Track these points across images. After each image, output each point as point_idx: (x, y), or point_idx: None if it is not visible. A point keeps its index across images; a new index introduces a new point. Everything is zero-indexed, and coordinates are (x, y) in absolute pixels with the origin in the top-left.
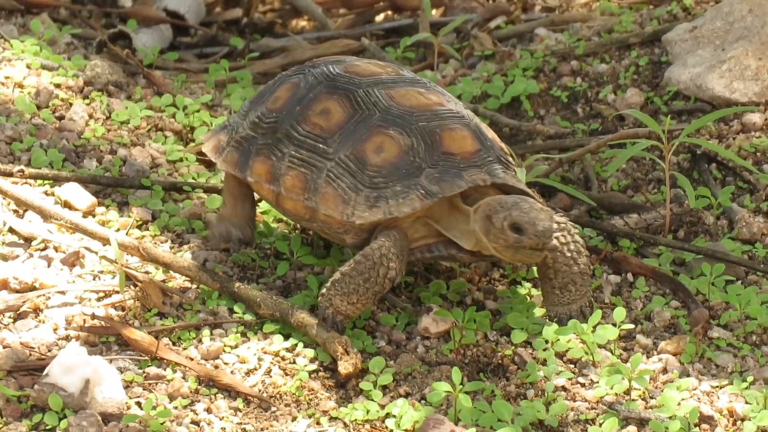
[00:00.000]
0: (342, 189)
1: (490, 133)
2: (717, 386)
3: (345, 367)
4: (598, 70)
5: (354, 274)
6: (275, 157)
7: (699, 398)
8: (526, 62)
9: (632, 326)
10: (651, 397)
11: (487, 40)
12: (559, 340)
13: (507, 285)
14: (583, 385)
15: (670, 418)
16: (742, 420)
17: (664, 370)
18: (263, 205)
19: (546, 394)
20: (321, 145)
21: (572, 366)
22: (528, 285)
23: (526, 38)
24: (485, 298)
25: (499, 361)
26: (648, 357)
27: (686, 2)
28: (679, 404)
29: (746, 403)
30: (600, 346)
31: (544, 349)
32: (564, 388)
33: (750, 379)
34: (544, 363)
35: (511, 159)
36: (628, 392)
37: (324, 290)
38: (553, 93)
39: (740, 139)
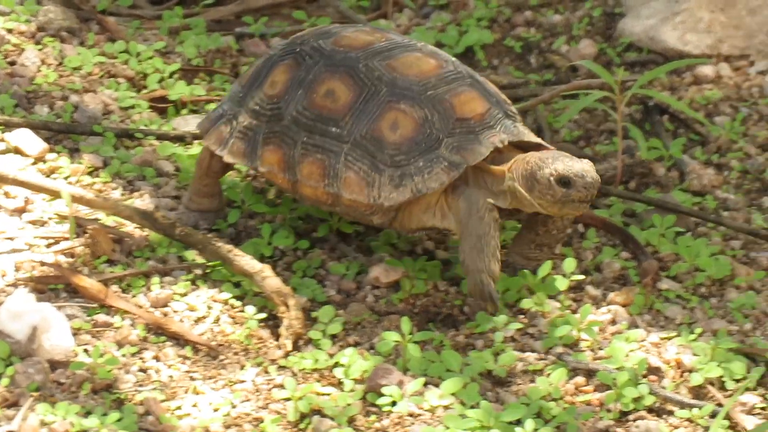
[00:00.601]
0: (364, 172)
1: (492, 87)
2: (665, 338)
3: (284, 344)
4: (551, 20)
5: (488, 230)
6: (286, 145)
7: (647, 349)
8: (480, 12)
9: (582, 277)
10: (599, 348)
11: None
12: (508, 290)
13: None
14: (531, 335)
15: (618, 369)
16: (690, 371)
17: (613, 322)
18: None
19: (495, 345)
20: (333, 129)
21: (521, 316)
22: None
23: None
24: (436, 248)
25: (449, 311)
26: (597, 308)
27: None
28: (627, 355)
29: (694, 354)
30: (549, 297)
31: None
32: (513, 339)
33: (698, 330)
34: (493, 314)
35: (514, 109)
36: (576, 343)
37: (479, 264)
38: (507, 43)
39: (692, 91)
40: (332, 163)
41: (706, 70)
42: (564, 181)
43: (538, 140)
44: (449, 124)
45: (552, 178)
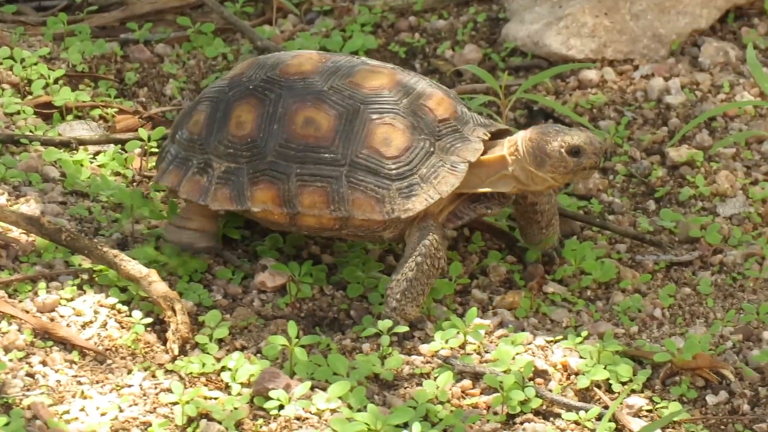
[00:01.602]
0: (371, 190)
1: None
2: (551, 341)
3: (171, 348)
4: (436, 26)
5: (420, 276)
6: (279, 180)
7: (534, 353)
8: (364, 18)
9: (468, 281)
10: (486, 352)
11: None
12: None
13: (342, 239)
14: (418, 339)
15: (505, 372)
16: (576, 374)
17: (500, 325)
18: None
19: (381, 348)
20: (326, 155)
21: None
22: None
23: None
24: (322, 252)
25: (335, 315)
26: (483, 311)
27: None
28: (513, 358)
29: (580, 357)
30: (436, 301)
31: (380, 303)
32: (399, 342)
33: (584, 333)
34: (379, 317)
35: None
36: (463, 346)
37: (392, 303)
38: (392, 48)
39: (576, 95)
40: (335, 188)
41: (591, 74)
42: (574, 151)
43: (505, 126)
44: (434, 127)
45: (563, 150)
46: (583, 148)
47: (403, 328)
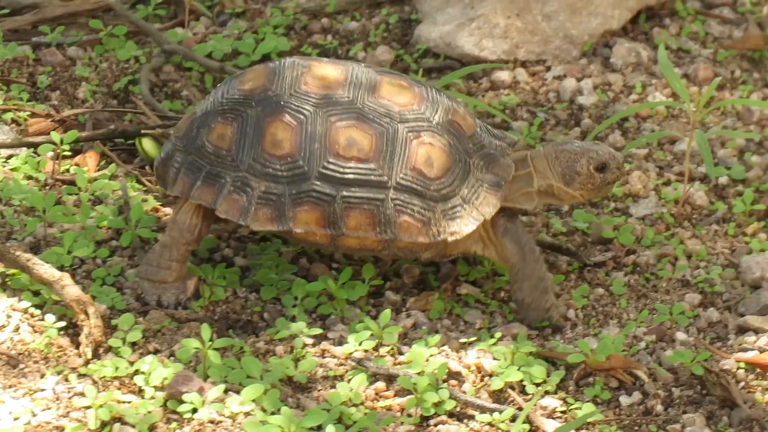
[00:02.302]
0: (419, 213)
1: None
2: (465, 342)
3: (84, 352)
4: (348, 27)
5: (545, 269)
6: (323, 202)
7: (447, 354)
8: (277, 20)
9: (382, 282)
10: (400, 353)
11: None
12: (308, 296)
13: (257, 241)
14: (332, 341)
15: (419, 374)
16: (490, 376)
17: (413, 327)
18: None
19: (295, 351)
20: (371, 177)
21: (321, 322)
22: (277, 241)
23: None
24: (235, 255)
25: (249, 318)
26: (397, 313)
27: None
28: (427, 360)
29: (494, 359)
30: (349, 303)
31: (294, 306)
32: (313, 345)
33: (498, 335)
34: (293, 319)
35: None
36: (377, 348)
37: (548, 304)
38: (304, 50)
39: (489, 96)
40: (381, 210)
41: (503, 75)
42: (601, 167)
43: (513, 136)
44: (466, 144)
45: (591, 167)
46: (608, 164)
47: (316, 330)
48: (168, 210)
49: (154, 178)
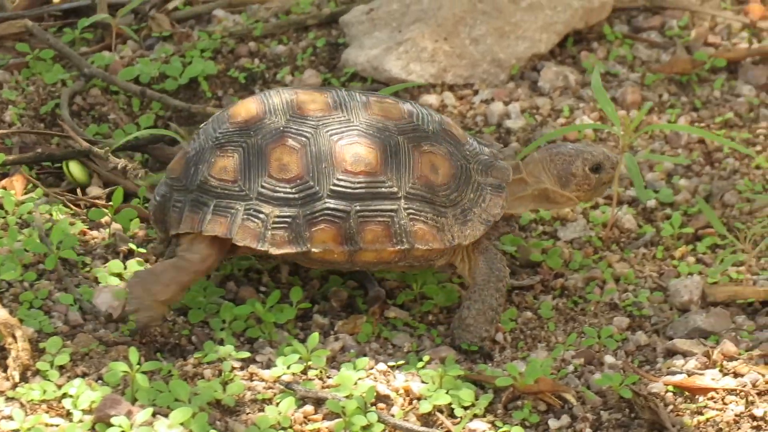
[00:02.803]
0: (432, 219)
1: None
2: (393, 365)
3: (11, 375)
4: (275, 51)
5: (501, 300)
6: (339, 218)
7: (375, 377)
8: (204, 43)
9: (309, 305)
10: (328, 377)
11: (165, 21)
12: (236, 319)
13: None
14: (260, 364)
15: (347, 397)
16: (418, 399)
17: (342, 350)
18: None
19: (223, 374)
20: (382, 189)
21: (250, 345)
22: None
23: (204, 19)
24: None
25: (177, 341)
26: (325, 336)
27: None
28: (355, 383)
29: (422, 382)
30: (277, 326)
31: (222, 329)
32: (241, 368)
33: (426, 358)
34: (221, 343)
35: None
36: (305, 372)
37: (482, 332)
38: (231, 74)
39: None
40: (396, 220)
41: (431, 98)
42: (596, 168)
43: (496, 143)
44: (463, 150)
45: (587, 168)
46: (603, 164)
47: (244, 354)
48: (96, 233)
49: (151, 223)
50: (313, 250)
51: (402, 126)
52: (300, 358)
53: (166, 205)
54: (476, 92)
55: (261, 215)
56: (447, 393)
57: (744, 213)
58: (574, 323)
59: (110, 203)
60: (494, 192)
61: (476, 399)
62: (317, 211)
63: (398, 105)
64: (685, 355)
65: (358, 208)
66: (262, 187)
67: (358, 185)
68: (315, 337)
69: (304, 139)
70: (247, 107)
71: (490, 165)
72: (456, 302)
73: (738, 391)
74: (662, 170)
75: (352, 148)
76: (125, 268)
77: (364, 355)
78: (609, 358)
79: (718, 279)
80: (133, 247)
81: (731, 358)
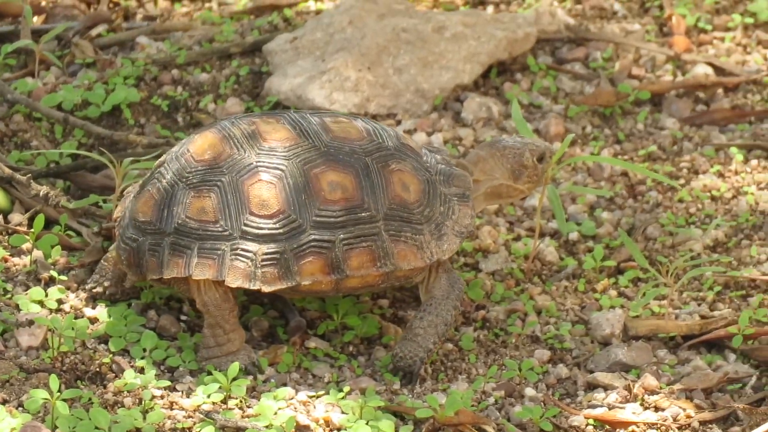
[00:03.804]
0: (411, 239)
1: None
2: (314, 396)
3: None
4: (198, 79)
5: (453, 320)
6: (325, 249)
7: (296, 407)
8: (127, 70)
9: None
10: (248, 407)
11: (88, 48)
12: (156, 348)
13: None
14: (180, 393)
15: (267, 427)
16: (338, 430)
17: (263, 380)
18: None
19: (143, 403)
20: (362, 214)
21: (170, 374)
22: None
23: (128, 46)
24: (84, 306)
25: (97, 369)
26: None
27: (287, 13)
28: (275, 413)
29: (342, 413)
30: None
31: (142, 357)
32: (161, 397)
33: (346, 389)
34: (141, 371)
35: None
36: (225, 401)
37: (429, 344)
38: (154, 101)
39: None
40: (378, 244)
41: None
42: (541, 157)
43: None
44: (423, 162)
45: (534, 159)
46: (545, 153)
47: (165, 383)
48: (17, 260)
49: (124, 266)
50: (303, 282)
51: (366, 146)
52: (220, 387)
53: (140, 248)
54: (399, 122)
55: (249, 254)
56: (367, 424)
57: (666, 246)
58: (495, 355)
59: (31, 230)
60: (461, 202)
61: (396, 430)
62: (303, 243)
63: (353, 123)
64: (606, 388)
65: (342, 236)
66: (245, 225)
67: (339, 213)
68: (235, 366)
69: (278, 171)
70: (210, 142)
71: (449, 174)
72: (377, 333)
73: (659, 426)
74: (585, 202)
75: (327, 176)
76: (46, 295)
77: (285, 385)
78: (530, 391)
79: (640, 312)
80: (55, 274)
81: (652, 392)
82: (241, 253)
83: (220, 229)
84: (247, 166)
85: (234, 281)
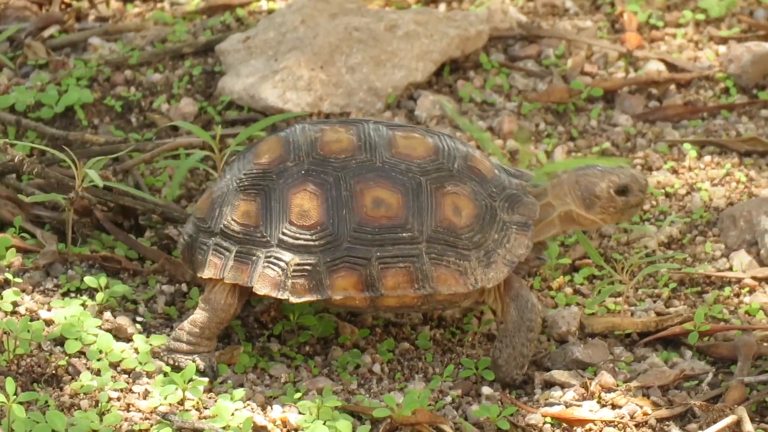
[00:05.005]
0: (453, 263)
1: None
2: (271, 396)
3: None
4: (152, 79)
5: (531, 347)
6: (359, 266)
7: (253, 408)
8: (80, 71)
9: None
10: (205, 408)
11: (40, 49)
12: (112, 350)
13: (60, 296)
14: (137, 395)
15: (224, 428)
16: (296, 430)
17: (220, 381)
18: None
19: (100, 405)
20: (403, 234)
21: (126, 376)
22: (84, 297)
23: (80, 47)
24: (39, 308)
25: (54, 372)
26: None
27: (240, 13)
28: (232, 414)
29: (299, 413)
30: (154, 356)
31: (98, 359)
32: (118, 399)
33: (303, 389)
34: (98, 373)
35: None
36: (182, 402)
37: (514, 375)
38: (108, 102)
39: None
40: (417, 266)
41: None
42: (622, 190)
43: (526, 171)
44: (488, 187)
45: (612, 190)
46: (630, 186)
47: (121, 384)
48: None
49: (181, 260)
50: (334, 297)
51: (425, 165)
52: (177, 389)
53: (193, 245)
54: None
55: (281, 263)
56: (324, 424)
57: (621, 244)
58: (452, 354)
59: None
60: (519, 231)
61: (354, 430)
62: (337, 258)
63: (425, 140)
64: (563, 386)
65: (378, 254)
66: (283, 233)
67: (379, 231)
68: (192, 367)
69: (325, 184)
70: (271, 147)
71: (516, 201)
72: (333, 333)
73: (616, 423)
74: None
75: (373, 192)
76: (1, 297)
77: (242, 386)
78: (486, 390)
79: (596, 310)
80: (10, 276)
81: (609, 390)
82: (275, 261)
83: (259, 235)
84: (296, 175)
85: (262, 288)
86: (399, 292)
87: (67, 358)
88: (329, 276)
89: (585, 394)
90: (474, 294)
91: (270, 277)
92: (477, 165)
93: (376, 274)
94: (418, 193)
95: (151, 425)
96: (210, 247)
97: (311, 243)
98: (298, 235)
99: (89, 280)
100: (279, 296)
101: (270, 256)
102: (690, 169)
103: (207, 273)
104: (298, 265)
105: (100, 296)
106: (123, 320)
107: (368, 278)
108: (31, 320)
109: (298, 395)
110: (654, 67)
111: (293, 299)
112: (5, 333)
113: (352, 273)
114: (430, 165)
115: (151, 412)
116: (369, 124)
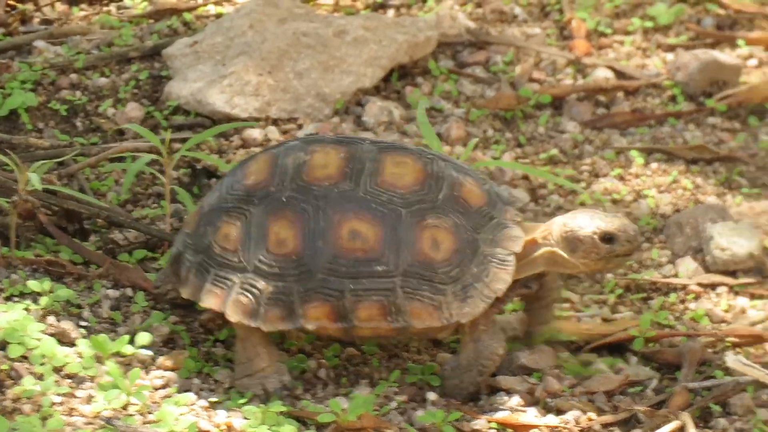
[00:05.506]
0: (428, 298)
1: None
2: (215, 401)
3: None
4: (98, 83)
5: (482, 376)
6: (332, 297)
7: (197, 413)
8: (24, 75)
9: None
10: (149, 413)
11: None
12: (56, 354)
13: (3, 300)
14: (80, 399)
15: None
16: None
17: (164, 386)
18: None
19: (42, 409)
20: (377, 267)
21: (70, 381)
22: (28, 302)
23: (25, 50)
24: None
25: None
26: (147, 372)
27: (187, 17)
28: (177, 419)
29: (244, 418)
30: (98, 361)
31: (42, 364)
32: (61, 403)
33: (249, 394)
34: (41, 378)
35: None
36: (126, 407)
37: (451, 390)
38: (53, 106)
39: (240, 154)
40: (391, 300)
41: (255, 133)
42: (608, 238)
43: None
44: (472, 219)
45: (596, 236)
46: (616, 235)
47: (64, 389)
48: None
49: (170, 271)
50: (307, 326)
51: (408, 196)
52: (121, 393)
53: (180, 259)
54: (300, 126)
55: (255, 290)
56: (269, 429)
57: None
58: (398, 359)
59: None
60: (500, 265)
61: None
62: (311, 288)
63: (415, 166)
64: (509, 392)
65: (351, 286)
66: (260, 260)
67: (354, 264)
68: (136, 372)
69: (305, 214)
70: (259, 168)
71: (500, 234)
72: (278, 338)
73: (560, 428)
74: None
75: (350, 225)
76: None
77: (186, 391)
78: (432, 395)
79: None
80: None
81: (554, 395)
82: (249, 288)
83: (236, 260)
84: (277, 201)
85: (233, 315)
86: (372, 324)
87: (9, 362)
88: (302, 305)
89: (530, 400)
90: (450, 327)
91: (242, 303)
92: (464, 195)
93: (350, 306)
94: (396, 226)
95: (95, 430)
96: (192, 266)
97: (286, 272)
98: (273, 263)
99: (33, 284)
100: (252, 324)
101: (245, 283)
102: (637, 176)
103: (185, 293)
104: (271, 293)
105: (44, 300)
106: (67, 324)
107: (341, 309)
108: None
109: (243, 400)
110: (602, 75)
111: (265, 328)
112: None
113: (325, 304)
114: (413, 196)
115: (95, 417)
116: (363, 145)
